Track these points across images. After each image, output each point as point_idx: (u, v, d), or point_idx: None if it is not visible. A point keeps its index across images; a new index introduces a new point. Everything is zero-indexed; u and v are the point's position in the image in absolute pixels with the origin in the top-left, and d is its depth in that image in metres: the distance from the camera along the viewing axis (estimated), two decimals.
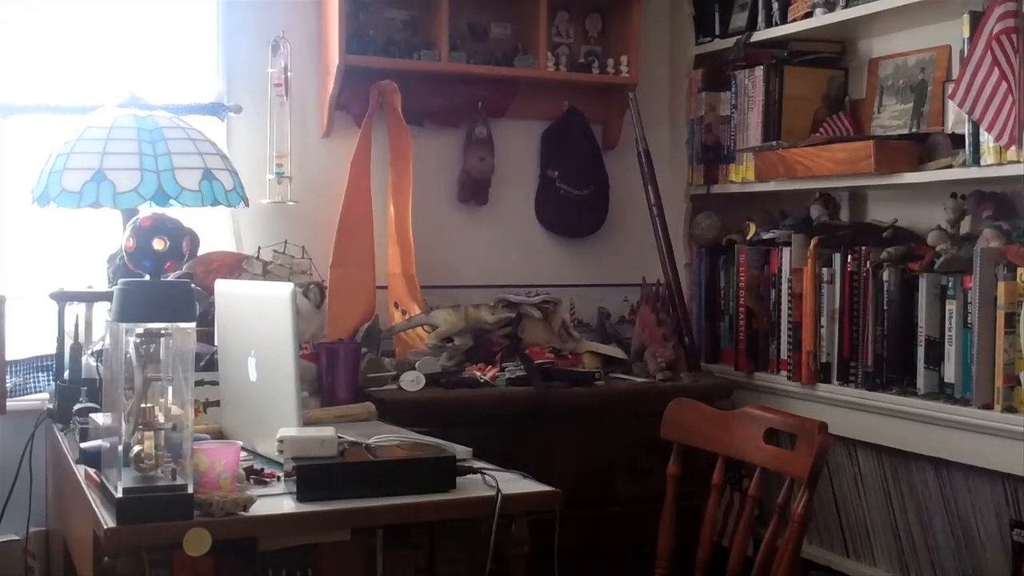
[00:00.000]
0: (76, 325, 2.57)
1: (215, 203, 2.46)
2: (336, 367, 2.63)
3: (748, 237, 3.26)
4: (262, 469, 1.88)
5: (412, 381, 2.82)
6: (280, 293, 1.96)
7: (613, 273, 3.53)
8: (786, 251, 3.06)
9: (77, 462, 1.94)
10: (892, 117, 3.07)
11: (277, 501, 1.73)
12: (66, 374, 2.50)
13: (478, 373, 2.93)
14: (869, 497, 2.87)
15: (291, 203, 3.11)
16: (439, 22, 3.19)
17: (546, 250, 3.51)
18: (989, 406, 2.50)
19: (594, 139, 3.52)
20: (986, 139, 2.55)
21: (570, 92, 3.47)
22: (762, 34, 3.27)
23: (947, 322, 2.62)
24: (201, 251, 2.83)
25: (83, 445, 1.91)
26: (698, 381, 3.06)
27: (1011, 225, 2.59)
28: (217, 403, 2.25)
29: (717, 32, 3.46)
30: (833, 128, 3.15)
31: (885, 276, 2.78)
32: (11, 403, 2.66)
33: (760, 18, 3.28)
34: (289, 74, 3.11)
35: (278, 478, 1.84)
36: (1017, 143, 2.46)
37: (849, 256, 2.88)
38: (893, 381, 2.75)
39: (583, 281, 3.51)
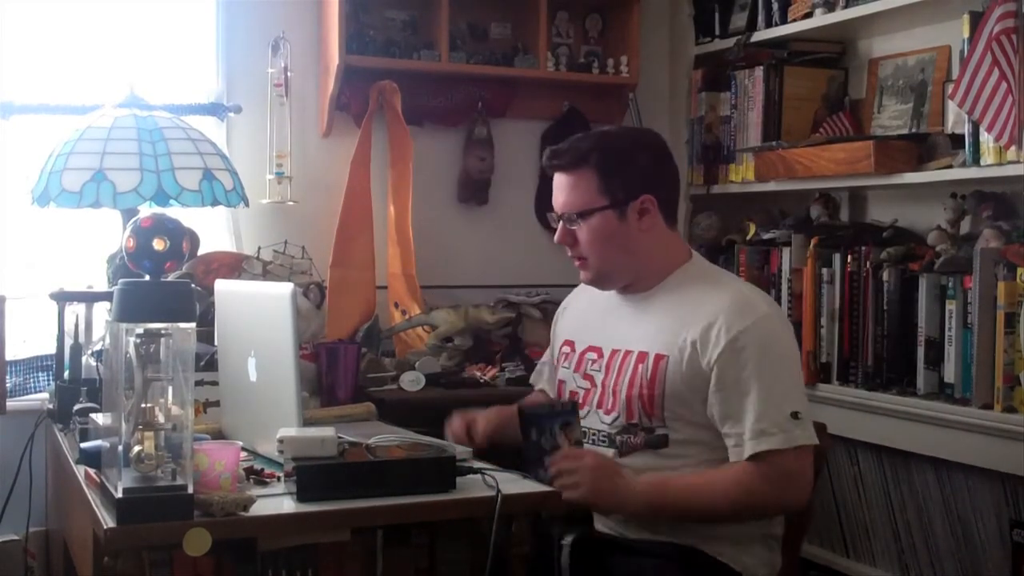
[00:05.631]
0: (76, 325, 2.57)
1: (215, 203, 2.46)
2: (336, 367, 2.63)
3: (748, 237, 3.26)
4: (262, 469, 1.88)
5: (412, 381, 2.82)
6: (280, 293, 1.96)
7: None
8: (786, 251, 3.06)
9: (77, 462, 1.94)
10: (892, 117, 3.07)
11: (277, 501, 1.73)
12: (66, 374, 2.50)
13: (478, 373, 2.94)
14: (869, 497, 2.87)
15: (291, 203, 3.12)
16: (439, 22, 3.20)
17: (546, 250, 3.51)
18: (989, 406, 2.50)
19: None
20: (986, 139, 2.55)
21: (570, 92, 3.47)
22: (762, 34, 3.27)
23: (947, 322, 2.62)
24: (201, 251, 2.83)
25: (83, 445, 1.91)
26: None
27: (1011, 225, 2.59)
28: (217, 403, 2.25)
29: (717, 32, 3.46)
30: (833, 128, 3.15)
31: (885, 276, 2.78)
32: (11, 403, 2.66)
33: (760, 18, 3.28)
34: (289, 74, 3.11)
35: (278, 478, 1.84)
36: (1017, 143, 2.46)
37: (849, 256, 2.88)
38: (893, 381, 2.75)
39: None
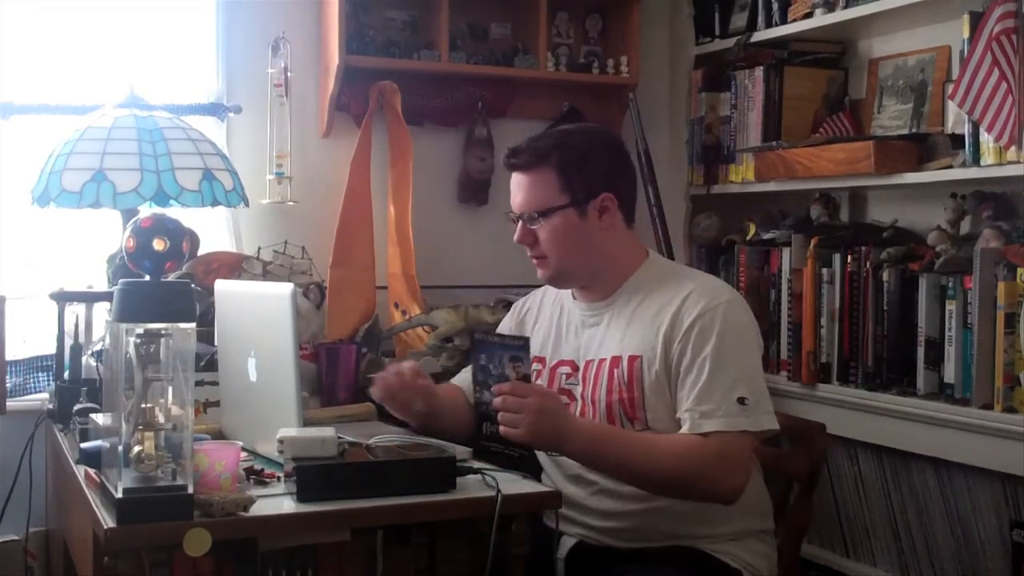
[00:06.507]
0: (76, 325, 2.57)
1: (215, 203, 2.46)
2: (336, 367, 2.63)
3: (748, 237, 3.26)
4: (262, 469, 1.88)
5: None
6: (280, 293, 1.96)
7: None
8: (786, 251, 3.06)
9: (77, 462, 1.94)
10: (892, 117, 3.07)
11: (277, 501, 1.73)
12: (66, 374, 2.50)
13: None
14: (869, 497, 2.87)
15: (291, 203, 3.12)
16: (439, 22, 3.20)
17: None
18: (989, 406, 2.50)
19: None
20: (986, 139, 2.55)
21: (570, 92, 3.47)
22: (762, 34, 3.27)
23: (947, 322, 2.62)
24: (201, 251, 2.83)
25: (83, 445, 1.91)
26: None
27: (1011, 225, 2.59)
28: (217, 403, 2.25)
29: (717, 32, 3.46)
30: (833, 128, 3.15)
31: (885, 276, 2.78)
32: (11, 403, 2.66)
33: (760, 18, 3.28)
34: (289, 74, 3.11)
35: (278, 478, 1.84)
36: (1017, 143, 2.46)
37: (849, 256, 2.88)
38: (893, 381, 2.75)
39: None
